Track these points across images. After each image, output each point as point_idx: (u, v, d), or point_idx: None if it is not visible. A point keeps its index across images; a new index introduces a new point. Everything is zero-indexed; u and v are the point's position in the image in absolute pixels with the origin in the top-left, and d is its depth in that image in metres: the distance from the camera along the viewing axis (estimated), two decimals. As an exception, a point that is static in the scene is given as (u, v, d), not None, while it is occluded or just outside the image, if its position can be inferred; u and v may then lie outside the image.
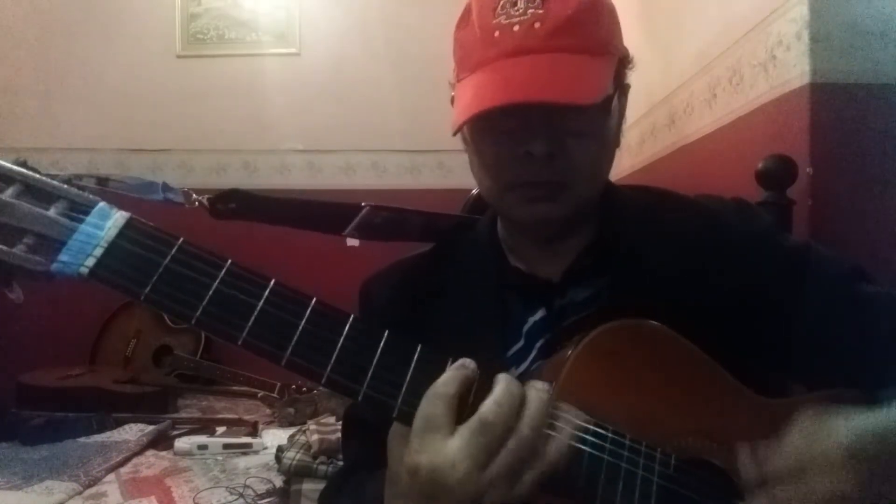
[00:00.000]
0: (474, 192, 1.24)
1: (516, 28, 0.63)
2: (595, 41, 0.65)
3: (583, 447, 0.52)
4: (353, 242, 0.90)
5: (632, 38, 0.73)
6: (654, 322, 0.61)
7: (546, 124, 0.63)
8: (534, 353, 0.70)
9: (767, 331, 0.68)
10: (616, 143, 0.73)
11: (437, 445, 0.47)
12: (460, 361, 0.51)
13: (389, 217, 0.82)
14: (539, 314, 0.71)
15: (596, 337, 0.59)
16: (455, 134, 0.68)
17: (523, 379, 0.53)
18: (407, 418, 0.51)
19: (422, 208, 0.86)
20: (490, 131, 0.67)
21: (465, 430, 0.47)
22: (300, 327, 0.51)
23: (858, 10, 1.20)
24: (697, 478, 0.57)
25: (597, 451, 0.53)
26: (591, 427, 0.54)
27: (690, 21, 1.87)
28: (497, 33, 0.64)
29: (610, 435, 0.54)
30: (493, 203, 0.73)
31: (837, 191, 1.20)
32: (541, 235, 0.73)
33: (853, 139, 1.20)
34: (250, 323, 0.50)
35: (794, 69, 1.26)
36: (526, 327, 0.71)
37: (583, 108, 0.62)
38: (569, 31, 0.63)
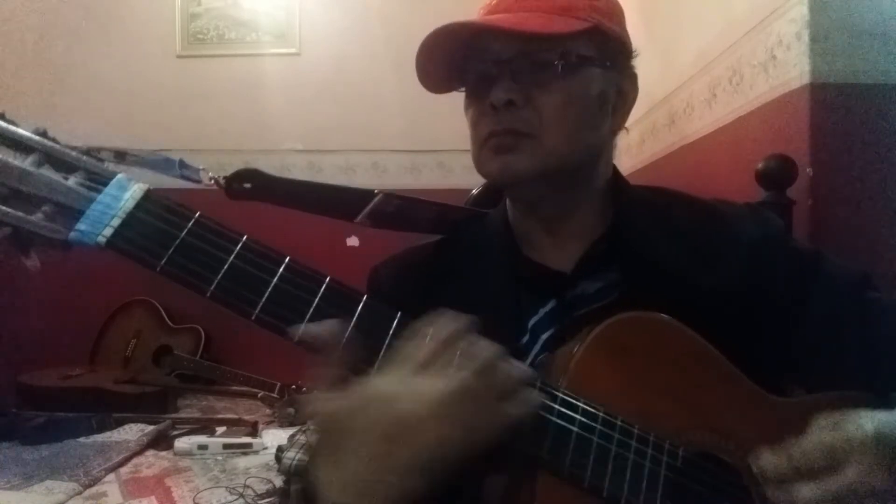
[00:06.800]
0: (474, 191, 1.25)
1: None
2: (568, 6, 0.66)
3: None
4: (352, 242, 0.91)
5: (632, 38, 0.73)
6: (664, 315, 0.61)
7: (507, 75, 0.66)
8: (538, 346, 0.69)
9: (776, 332, 0.68)
10: (615, 125, 0.73)
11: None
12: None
13: (401, 206, 0.81)
14: (549, 305, 0.71)
15: (605, 329, 0.58)
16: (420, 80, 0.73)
17: None
18: None
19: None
20: (469, 95, 0.71)
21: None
22: (313, 305, 0.51)
23: (858, 10, 1.20)
24: (705, 471, 0.57)
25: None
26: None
27: (690, 21, 1.87)
28: (482, 10, 0.70)
29: (619, 424, 0.54)
30: (477, 168, 0.73)
31: (837, 191, 1.20)
32: (520, 196, 0.74)
33: (853, 139, 1.20)
34: (264, 299, 0.50)
35: (794, 69, 1.27)
36: (534, 319, 0.71)
37: (538, 36, 0.64)
38: None
